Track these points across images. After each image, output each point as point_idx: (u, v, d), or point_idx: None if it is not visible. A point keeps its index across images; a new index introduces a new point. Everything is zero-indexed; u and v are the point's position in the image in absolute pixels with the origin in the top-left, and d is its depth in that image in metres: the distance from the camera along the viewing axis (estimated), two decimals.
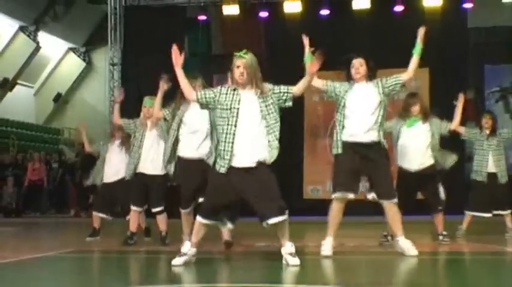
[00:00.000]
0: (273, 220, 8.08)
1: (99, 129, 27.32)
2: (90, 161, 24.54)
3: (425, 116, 11.47)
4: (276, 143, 8.23)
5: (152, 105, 11.42)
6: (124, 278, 8.20)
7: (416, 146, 11.16)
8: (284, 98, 8.55)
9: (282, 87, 8.60)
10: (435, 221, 11.33)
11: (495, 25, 24.67)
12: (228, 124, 8.15)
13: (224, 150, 8.11)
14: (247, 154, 8.13)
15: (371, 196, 9.46)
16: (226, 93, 8.32)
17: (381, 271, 8.59)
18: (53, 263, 9.59)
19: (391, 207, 9.38)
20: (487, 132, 12.82)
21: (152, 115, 11.36)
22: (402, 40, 21.27)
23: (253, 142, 8.15)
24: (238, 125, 8.15)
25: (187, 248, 8.39)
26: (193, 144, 9.94)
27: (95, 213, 12.68)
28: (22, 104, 32.90)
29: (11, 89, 31.23)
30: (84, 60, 34.67)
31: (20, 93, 32.61)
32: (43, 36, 31.52)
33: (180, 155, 10.01)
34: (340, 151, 9.43)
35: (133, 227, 11.47)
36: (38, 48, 31.35)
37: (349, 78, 9.66)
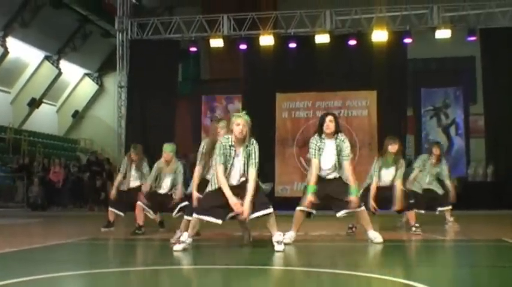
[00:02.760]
0: (260, 213, 8.35)
1: (109, 139, 27.40)
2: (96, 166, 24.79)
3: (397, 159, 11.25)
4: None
5: (172, 151, 11.36)
6: (130, 261, 8.22)
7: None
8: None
9: (254, 158, 8.51)
10: (408, 216, 11.33)
11: (429, 57, 24.95)
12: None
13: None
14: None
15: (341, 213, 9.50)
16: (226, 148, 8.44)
17: (344, 254, 8.69)
18: (72, 248, 9.56)
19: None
20: (433, 161, 12.82)
21: (170, 159, 11.37)
22: (355, 68, 21.76)
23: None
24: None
25: (185, 237, 8.39)
26: None
27: (111, 209, 12.48)
28: (47, 119, 32.73)
29: (37, 107, 31.07)
30: (97, 83, 34.53)
31: (45, 110, 32.44)
32: (64, 64, 31.40)
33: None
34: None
35: (140, 220, 11.35)
36: (59, 73, 31.21)
37: (320, 131, 9.46)
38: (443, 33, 21.63)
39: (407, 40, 21.99)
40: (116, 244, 10.76)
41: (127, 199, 12.29)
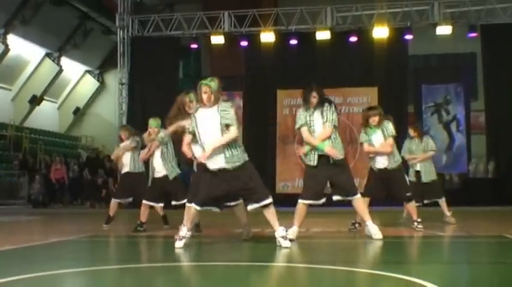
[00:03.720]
0: (260, 204, 8.26)
1: (110, 137, 27.40)
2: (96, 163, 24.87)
3: (380, 124, 10.76)
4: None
5: (157, 127, 11.14)
6: (131, 258, 8.21)
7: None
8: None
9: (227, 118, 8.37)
10: (409, 210, 11.12)
11: (430, 53, 24.90)
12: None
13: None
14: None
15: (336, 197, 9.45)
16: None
17: (345, 251, 8.70)
18: (73, 245, 9.57)
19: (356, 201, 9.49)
20: (416, 140, 12.73)
21: (155, 134, 11.15)
22: (356, 64, 21.74)
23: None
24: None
25: (185, 232, 8.33)
26: None
27: (114, 200, 12.38)
28: (48, 116, 32.71)
29: (38, 104, 31.06)
30: (98, 80, 34.51)
31: (46, 107, 32.43)
32: (65, 61, 31.37)
33: None
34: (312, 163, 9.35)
35: (143, 218, 11.35)
36: (60, 70, 31.20)
37: (306, 102, 9.48)
38: (444, 30, 21.60)
39: (408, 36, 21.96)
40: (117, 241, 10.76)
41: (130, 186, 12.25)
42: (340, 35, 22.18)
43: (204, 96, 8.35)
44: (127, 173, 12.34)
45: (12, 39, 27.51)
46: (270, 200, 8.33)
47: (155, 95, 22.75)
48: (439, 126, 23.34)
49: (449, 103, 24.05)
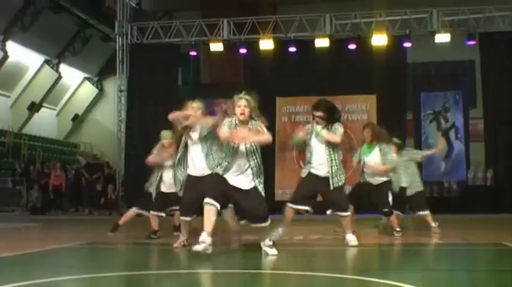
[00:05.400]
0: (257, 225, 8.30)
1: (109, 143, 27.40)
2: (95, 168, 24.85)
3: (377, 141, 11.17)
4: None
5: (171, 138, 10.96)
6: (126, 265, 8.19)
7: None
8: None
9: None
10: (391, 222, 11.26)
11: (429, 61, 24.92)
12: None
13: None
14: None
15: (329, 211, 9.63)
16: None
17: (338, 257, 8.69)
18: (71, 252, 9.55)
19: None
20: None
21: (170, 146, 10.93)
22: (355, 72, 21.70)
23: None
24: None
25: (205, 236, 7.95)
26: None
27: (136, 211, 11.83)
28: (46, 123, 32.73)
29: (37, 111, 31.08)
30: (97, 87, 34.54)
31: (45, 114, 32.45)
32: (64, 68, 31.40)
33: None
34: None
35: (155, 226, 11.21)
36: (59, 77, 31.22)
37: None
38: (442, 38, 21.63)
39: (407, 44, 21.98)
40: (114, 248, 10.72)
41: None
42: (339, 43, 22.21)
43: (238, 110, 8.42)
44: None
45: (11, 46, 27.53)
46: (268, 223, 8.35)
47: (154, 102, 22.74)
48: (437, 134, 23.32)
49: (447, 111, 24.07)
